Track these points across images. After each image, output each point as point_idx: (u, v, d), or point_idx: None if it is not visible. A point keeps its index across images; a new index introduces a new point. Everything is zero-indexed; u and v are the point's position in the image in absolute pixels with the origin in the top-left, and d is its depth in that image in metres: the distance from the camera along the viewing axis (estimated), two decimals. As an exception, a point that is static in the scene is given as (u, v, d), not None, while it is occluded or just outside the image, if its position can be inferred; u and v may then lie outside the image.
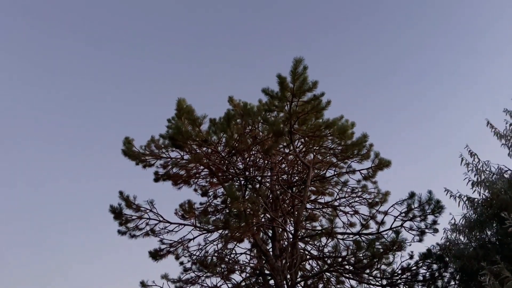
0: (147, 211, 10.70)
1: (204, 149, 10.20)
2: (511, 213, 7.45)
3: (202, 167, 11.18)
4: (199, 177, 11.70)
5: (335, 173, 11.67)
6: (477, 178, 9.08)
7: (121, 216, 10.47)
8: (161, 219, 10.82)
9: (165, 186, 11.45)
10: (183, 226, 10.99)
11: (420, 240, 9.98)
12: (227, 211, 11.59)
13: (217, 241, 11.41)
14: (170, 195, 11.77)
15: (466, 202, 9.44)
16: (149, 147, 10.87)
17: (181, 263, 11.70)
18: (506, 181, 8.32)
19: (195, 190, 12.03)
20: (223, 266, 11.10)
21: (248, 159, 11.33)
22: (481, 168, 9.26)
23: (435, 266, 9.61)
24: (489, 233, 9.25)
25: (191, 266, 11.43)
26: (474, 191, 9.24)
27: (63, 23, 30.91)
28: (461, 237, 9.65)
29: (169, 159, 10.96)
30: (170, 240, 11.19)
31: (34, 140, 30.81)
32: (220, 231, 10.75)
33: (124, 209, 10.50)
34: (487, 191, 8.69)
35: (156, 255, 11.25)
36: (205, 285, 11.02)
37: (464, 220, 9.50)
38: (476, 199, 9.30)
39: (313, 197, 12.32)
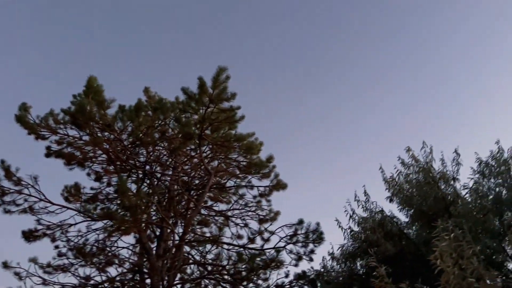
0: (29, 186, 9.88)
1: (106, 134, 9.75)
2: (380, 246, 8.35)
3: (100, 152, 10.65)
4: (95, 161, 11.11)
5: (235, 184, 11.94)
6: (354, 215, 10.03)
7: (-4, 187, 9.51)
8: (43, 197, 10.04)
9: (54, 163, 10.64)
10: (66, 209, 10.31)
11: (296, 265, 10.65)
12: (119, 202, 11.16)
13: (100, 231, 10.90)
14: (59, 174, 10.97)
15: (349, 233, 10.37)
16: (46, 120, 10.06)
17: (57, 247, 10.97)
18: (377, 220, 9.28)
19: (88, 174, 11.39)
20: (101, 257, 10.66)
21: (151, 154, 11.08)
22: (367, 207, 10.26)
23: (306, 288, 10.29)
24: (358, 264, 10.22)
25: (66, 252, 10.79)
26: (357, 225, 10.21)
27: None
28: (337, 266, 10.52)
29: (66, 137, 10.26)
30: (49, 222, 10.45)
31: None
32: (105, 221, 10.30)
33: (2, 179, 9.60)
34: (359, 227, 9.60)
35: (29, 235, 10.41)
36: (77, 274, 10.42)
37: (341, 250, 10.39)
38: (358, 233, 10.27)
39: (209, 203, 12.44)
